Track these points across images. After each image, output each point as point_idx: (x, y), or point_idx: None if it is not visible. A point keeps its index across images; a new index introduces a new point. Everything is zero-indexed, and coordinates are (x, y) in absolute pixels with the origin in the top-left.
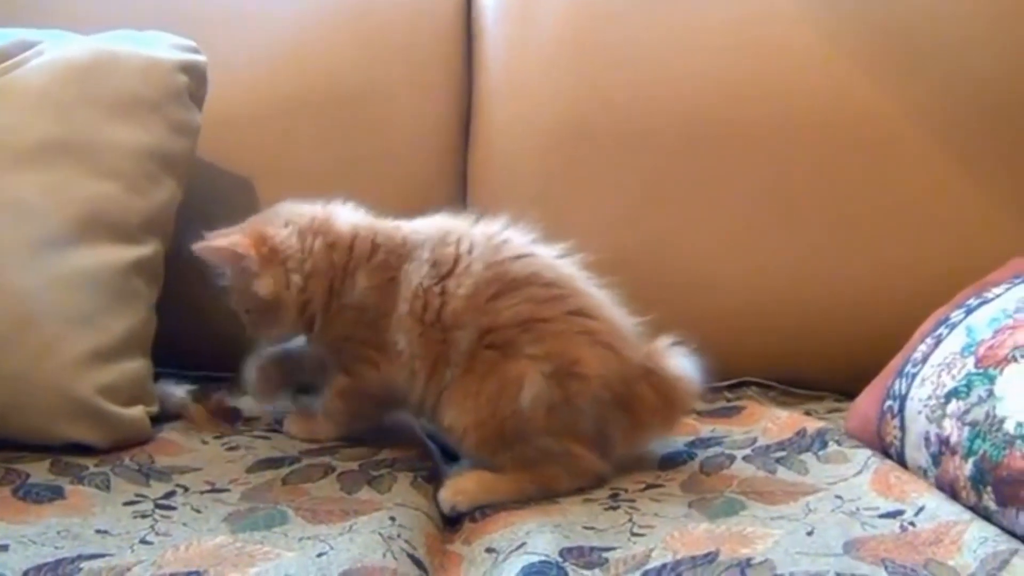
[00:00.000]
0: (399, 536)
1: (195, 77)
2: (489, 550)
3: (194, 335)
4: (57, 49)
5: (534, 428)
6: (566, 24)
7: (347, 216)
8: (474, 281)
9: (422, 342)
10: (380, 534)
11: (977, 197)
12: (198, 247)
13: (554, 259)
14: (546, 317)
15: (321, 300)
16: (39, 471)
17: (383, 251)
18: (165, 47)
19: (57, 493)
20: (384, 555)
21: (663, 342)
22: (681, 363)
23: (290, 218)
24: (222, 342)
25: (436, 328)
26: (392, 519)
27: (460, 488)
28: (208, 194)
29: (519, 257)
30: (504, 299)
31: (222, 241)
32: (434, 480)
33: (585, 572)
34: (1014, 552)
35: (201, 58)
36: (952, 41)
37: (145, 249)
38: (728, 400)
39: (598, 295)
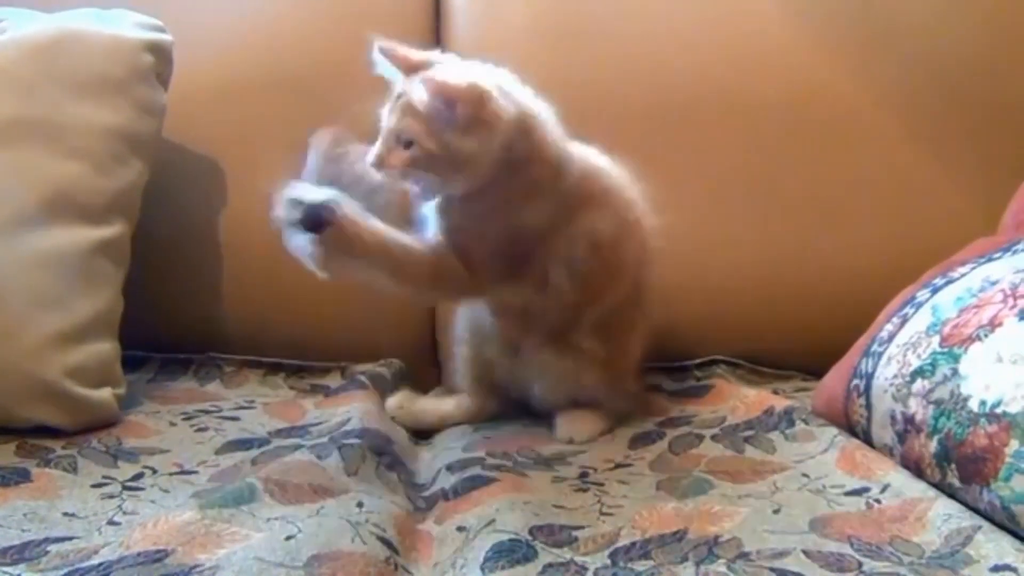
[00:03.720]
0: (367, 521)
1: (161, 56)
2: (460, 528)
3: (160, 317)
4: (20, 27)
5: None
6: (534, 5)
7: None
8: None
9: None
10: (348, 520)
11: (943, 178)
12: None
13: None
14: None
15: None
16: (5, 454)
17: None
18: (130, 26)
19: (23, 476)
20: (353, 539)
21: None
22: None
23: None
24: (188, 324)
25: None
26: (360, 505)
27: (575, 426)
28: (174, 174)
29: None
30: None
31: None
32: (396, 468)
33: (554, 551)
34: (977, 528)
35: (167, 37)
36: (916, 22)
37: (112, 230)
38: (697, 379)
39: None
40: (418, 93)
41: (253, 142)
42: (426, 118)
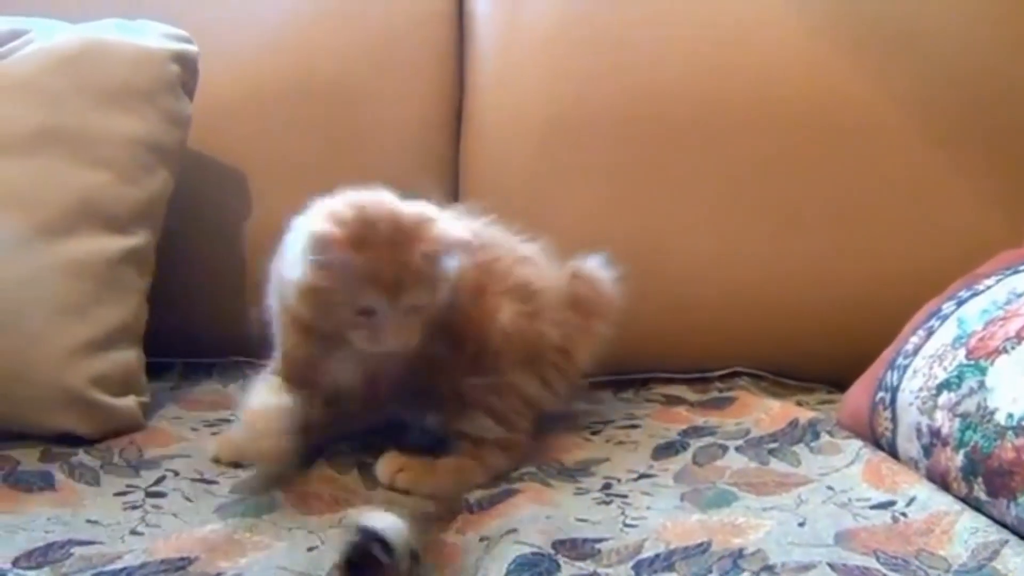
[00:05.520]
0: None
1: (187, 67)
2: (483, 539)
3: (184, 325)
4: (47, 38)
5: (511, 351)
6: (557, 15)
7: None
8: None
9: None
10: None
11: (967, 188)
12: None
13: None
14: (496, 257)
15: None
16: (29, 459)
17: None
18: (156, 36)
19: (47, 482)
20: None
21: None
22: (595, 266)
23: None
24: (212, 331)
25: None
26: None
27: (404, 465)
28: (199, 184)
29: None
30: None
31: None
32: None
33: (577, 563)
34: (1004, 542)
35: (193, 48)
36: (933, 30)
37: (137, 239)
38: (720, 391)
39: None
40: (423, 256)
41: (277, 152)
42: (433, 275)
